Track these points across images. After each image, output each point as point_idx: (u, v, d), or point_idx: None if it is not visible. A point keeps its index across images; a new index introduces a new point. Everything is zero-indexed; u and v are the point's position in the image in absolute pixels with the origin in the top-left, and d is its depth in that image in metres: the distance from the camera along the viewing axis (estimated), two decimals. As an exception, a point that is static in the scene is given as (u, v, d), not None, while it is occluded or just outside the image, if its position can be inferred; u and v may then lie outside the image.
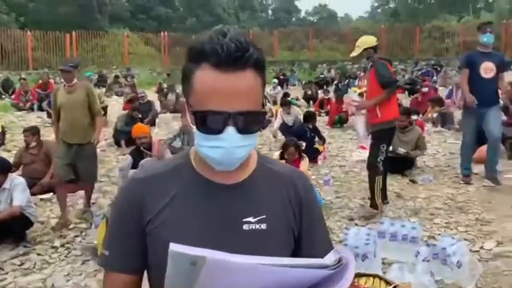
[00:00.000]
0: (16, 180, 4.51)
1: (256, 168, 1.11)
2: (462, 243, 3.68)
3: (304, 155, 5.85)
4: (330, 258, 0.83)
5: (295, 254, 1.12)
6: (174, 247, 0.77)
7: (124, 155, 7.99)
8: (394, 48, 25.86)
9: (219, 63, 0.92)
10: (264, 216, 1.06)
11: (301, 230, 1.12)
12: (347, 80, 17.56)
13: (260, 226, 1.05)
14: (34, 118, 11.71)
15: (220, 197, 1.05)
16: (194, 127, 0.98)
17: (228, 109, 0.93)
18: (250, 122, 0.96)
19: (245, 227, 1.04)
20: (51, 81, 16.58)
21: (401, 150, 6.58)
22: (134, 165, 5.33)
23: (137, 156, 5.51)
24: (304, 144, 7.00)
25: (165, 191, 1.06)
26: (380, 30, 26.85)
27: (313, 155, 7.10)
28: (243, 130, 0.95)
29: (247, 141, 0.98)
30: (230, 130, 0.94)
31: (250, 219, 1.05)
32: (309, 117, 7.99)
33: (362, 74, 19.37)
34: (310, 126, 7.77)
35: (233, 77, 0.93)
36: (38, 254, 4.18)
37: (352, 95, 7.89)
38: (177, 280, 0.82)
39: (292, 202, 1.11)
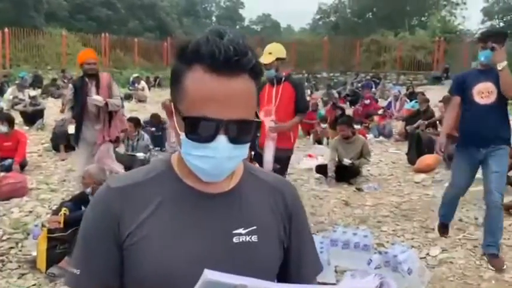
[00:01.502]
0: None
1: (242, 177, 1.05)
2: (412, 250, 3.80)
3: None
4: (370, 283, 0.78)
5: (282, 267, 1.07)
6: (210, 275, 0.68)
7: (63, 160, 7.59)
8: (335, 60, 26.70)
9: (214, 66, 0.85)
10: (255, 228, 0.99)
11: (290, 243, 1.07)
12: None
13: (251, 238, 0.98)
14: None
15: (207, 207, 0.97)
16: (182, 133, 0.90)
17: (221, 116, 0.86)
18: (243, 131, 0.89)
19: (235, 239, 0.97)
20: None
21: (347, 161, 6.71)
22: (76, 95, 5.04)
23: (81, 84, 5.05)
24: (253, 153, 6.97)
25: (146, 201, 0.96)
26: (322, 42, 27.69)
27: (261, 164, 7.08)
28: (235, 140, 0.88)
29: (238, 152, 0.91)
30: (221, 139, 0.87)
31: (241, 230, 0.98)
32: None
33: (306, 84, 19.82)
34: (258, 135, 7.75)
35: (228, 82, 0.86)
36: (-32, 268, 3.82)
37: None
38: None
39: (282, 213, 1.06)
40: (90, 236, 0.97)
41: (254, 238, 0.98)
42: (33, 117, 10.65)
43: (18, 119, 8.76)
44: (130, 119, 7.37)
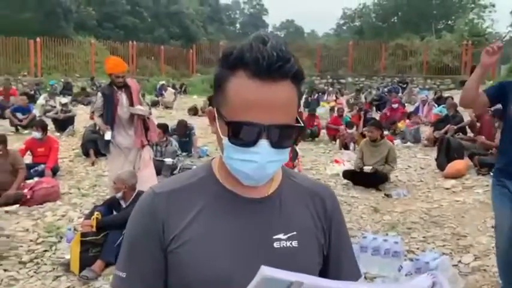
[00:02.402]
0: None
1: (282, 182, 1.06)
2: (444, 257, 3.73)
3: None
4: (423, 283, 0.78)
5: (321, 273, 1.07)
6: (267, 271, 0.70)
7: (93, 164, 7.76)
8: (359, 65, 26.51)
9: (258, 73, 0.87)
10: (295, 233, 1.00)
11: (329, 248, 1.07)
12: (316, 95, 17.78)
13: (291, 243, 0.99)
14: (-5, 126, 11.20)
15: (248, 211, 0.99)
16: (225, 138, 0.92)
17: (263, 121, 0.87)
18: (285, 136, 0.91)
19: (276, 244, 0.98)
20: (14, 87, 16.01)
21: (368, 168, 6.64)
22: (105, 103, 5.13)
23: (110, 92, 5.16)
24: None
25: (189, 206, 0.98)
26: (347, 47, 27.52)
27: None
28: (276, 144, 0.90)
29: (280, 157, 0.92)
30: (263, 143, 0.89)
31: (281, 236, 0.99)
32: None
33: (330, 89, 19.73)
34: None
35: (271, 88, 0.87)
36: (5, 270, 3.93)
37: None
38: None
39: (321, 219, 1.06)
40: (135, 240, 1.00)
41: (294, 243, 0.99)
42: (64, 123, 10.94)
43: (49, 125, 8.99)
44: (159, 126, 7.48)
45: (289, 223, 1.01)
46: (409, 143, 10.01)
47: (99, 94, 5.32)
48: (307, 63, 27.86)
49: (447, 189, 6.45)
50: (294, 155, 7.70)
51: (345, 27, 53.63)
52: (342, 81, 24.56)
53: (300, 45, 33.15)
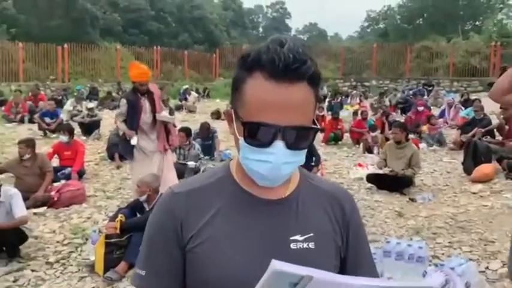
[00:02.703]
0: (10, 191, 4.37)
1: (299, 184, 1.06)
2: (471, 263, 3.63)
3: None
4: (436, 280, 0.77)
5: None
6: (277, 265, 0.70)
7: (118, 168, 7.89)
8: (384, 67, 26.20)
9: (274, 74, 0.87)
10: (312, 235, 1.00)
11: (347, 254, 1.07)
12: (340, 98, 17.65)
13: (308, 245, 0.99)
14: (25, 130, 11.52)
15: (265, 213, 0.99)
16: (241, 138, 0.93)
17: (279, 122, 0.88)
18: (300, 137, 0.91)
19: (292, 245, 0.98)
20: (42, 93, 16.43)
21: (386, 170, 6.56)
22: (129, 109, 5.24)
23: (135, 98, 5.27)
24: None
25: (207, 206, 1.00)
26: (371, 49, 27.25)
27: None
28: (292, 146, 0.90)
29: (295, 158, 0.93)
30: (278, 144, 0.89)
31: (298, 237, 0.99)
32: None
33: (354, 92, 19.56)
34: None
35: (287, 89, 0.88)
36: (33, 270, 4.03)
37: None
38: None
39: (339, 222, 1.06)
40: (154, 238, 1.02)
41: (311, 245, 0.99)
42: (90, 128, 11.17)
43: (76, 129, 9.19)
44: (182, 129, 7.57)
45: (306, 225, 1.01)
46: (434, 147, 9.83)
47: (124, 100, 5.42)
48: (331, 67, 27.76)
49: (474, 193, 6.30)
50: (317, 159, 7.65)
51: (369, 30, 53.18)
52: (366, 84, 24.32)
53: (323, 48, 33.06)
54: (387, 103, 14.75)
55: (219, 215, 0.98)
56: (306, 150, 0.94)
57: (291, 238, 0.98)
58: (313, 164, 7.40)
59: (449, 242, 4.63)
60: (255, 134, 0.90)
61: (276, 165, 0.91)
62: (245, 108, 0.91)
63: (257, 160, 0.92)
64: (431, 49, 25.63)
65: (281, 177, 0.94)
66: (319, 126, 0.98)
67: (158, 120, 5.33)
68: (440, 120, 11.77)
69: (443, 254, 4.32)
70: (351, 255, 1.07)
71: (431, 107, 14.72)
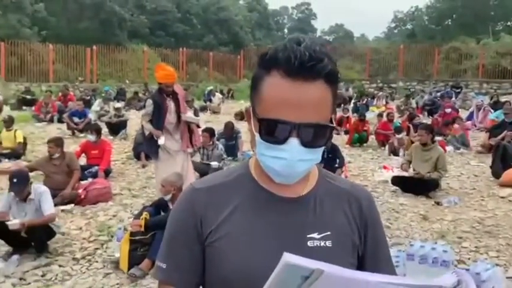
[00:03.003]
0: (39, 189, 4.51)
1: (318, 182, 1.06)
2: (497, 268, 3.55)
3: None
4: (448, 280, 0.76)
5: None
6: (289, 258, 0.71)
7: (144, 167, 8.01)
8: (411, 69, 25.80)
9: (290, 72, 0.88)
10: (329, 233, 1.01)
11: (365, 252, 1.07)
12: (365, 99, 17.47)
13: (325, 243, 0.99)
14: (54, 129, 11.82)
15: (283, 210, 1.01)
16: (257, 135, 0.94)
17: (294, 119, 0.89)
18: (316, 135, 0.91)
19: (309, 243, 0.99)
20: (71, 93, 16.83)
21: (412, 172, 6.46)
22: (155, 109, 5.38)
23: (161, 99, 5.38)
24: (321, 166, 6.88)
25: (226, 202, 1.02)
26: (398, 50, 26.88)
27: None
28: (307, 143, 0.91)
29: (311, 156, 0.93)
30: (293, 142, 0.90)
31: (315, 235, 1.00)
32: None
33: (380, 93, 19.33)
34: (328, 145, 7.66)
35: (303, 87, 0.89)
36: (60, 266, 4.14)
37: None
38: None
39: (357, 220, 1.06)
40: (175, 233, 1.04)
41: (328, 243, 0.99)
42: (117, 127, 11.38)
43: (103, 129, 9.38)
44: (206, 130, 7.64)
45: (324, 223, 1.01)
46: (462, 150, 9.62)
47: (150, 101, 5.52)
48: (357, 68, 27.53)
49: (503, 198, 6.14)
50: (341, 161, 7.59)
51: (396, 31, 52.52)
52: (393, 85, 24.00)
53: (349, 49, 32.82)
54: (414, 105, 14.52)
55: (237, 211, 1.00)
56: (322, 149, 0.95)
57: (308, 236, 0.99)
58: (336, 165, 7.35)
59: (475, 247, 4.54)
60: (270, 130, 0.91)
61: (291, 162, 0.91)
62: (262, 106, 0.93)
63: (273, 157, 0.93)
64: (460, 50, 25.12)
65: (296, 174, 0.95)
66: (335, 125, 0.99)
67: (182, 121, 5.42)
68: (468, 122, 11.51)
69: (469, 258, 4.23)
70: (369, 252, 1.07)
71: (460, 110, 14.42)
